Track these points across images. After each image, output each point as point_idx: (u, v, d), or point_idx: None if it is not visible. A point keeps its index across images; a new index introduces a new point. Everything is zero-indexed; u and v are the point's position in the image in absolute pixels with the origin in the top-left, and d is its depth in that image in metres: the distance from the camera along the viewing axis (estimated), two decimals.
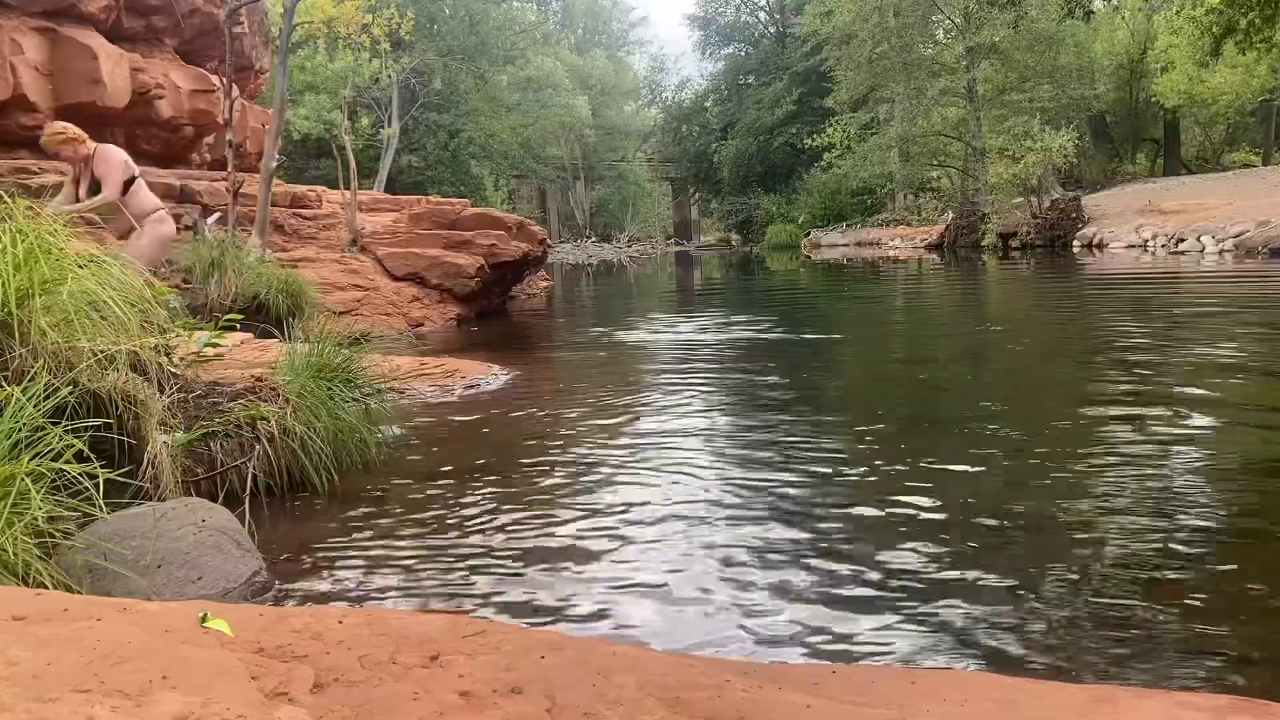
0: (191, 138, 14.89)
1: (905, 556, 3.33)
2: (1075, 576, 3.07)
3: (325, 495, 4.23)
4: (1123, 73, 38.57)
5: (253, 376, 4.98)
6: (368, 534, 3.78)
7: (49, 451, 2.83)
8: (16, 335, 3.40)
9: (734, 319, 13.36)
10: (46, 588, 2.54)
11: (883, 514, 3.87)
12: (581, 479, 4.68)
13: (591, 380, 8.03)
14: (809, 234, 41.03)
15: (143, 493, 3.53)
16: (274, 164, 11.56)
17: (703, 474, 4.63)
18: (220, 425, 4.21)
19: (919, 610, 2.87)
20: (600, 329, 12.57)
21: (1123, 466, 4.36)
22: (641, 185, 59.04)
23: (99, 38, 12.40)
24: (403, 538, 3.71)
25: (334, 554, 3.58)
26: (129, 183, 7.12)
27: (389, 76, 34.45)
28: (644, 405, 6.63)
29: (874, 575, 3.18)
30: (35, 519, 2.66)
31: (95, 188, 6.96)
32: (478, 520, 3.93)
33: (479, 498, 4.29)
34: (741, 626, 2.83)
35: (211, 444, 4.15)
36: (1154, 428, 5.07)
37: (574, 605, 3.04)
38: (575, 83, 51.06)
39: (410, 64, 36.15)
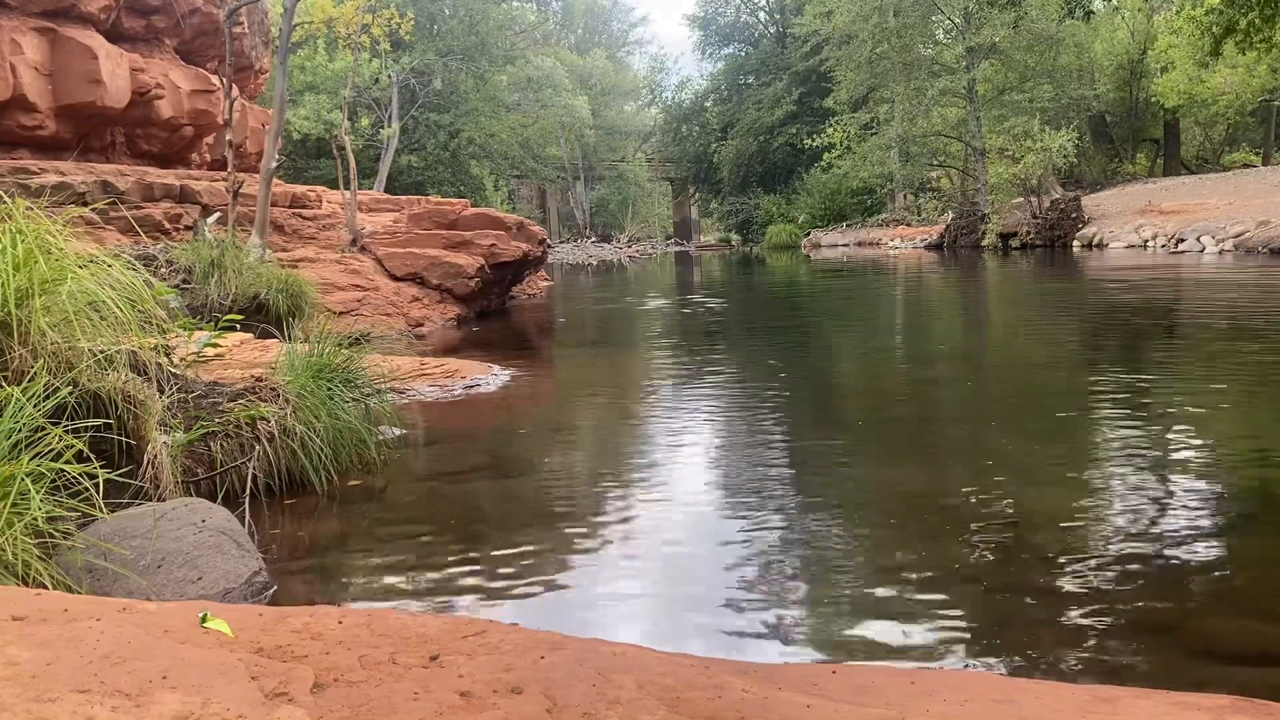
0: (191, 138, 14.88)
1: (905, 556, 3.33)
2: (1075, 577, 3.06)
3: (325, 495, 4.23)
4: (1123, 73, 38.55)
5: (253, 376, 4.98)
6: (367, 534, 3.78)
7: (49, 452, 2.83)
8: (16, 335, 3.40)
9: (733, 317, 13.36)
10: (46, 588, 2.54)
11: (883, 513, 3.87)
12: (581, 479, 4.68)
13: (590, 380, 8.04)
14: (809, 234, 41.02)
15: (143, 493, 3.53)
16: (274, 164, 11.55)
17: (702, 473, 4.63)
18: (220, 425, 4.21)
19: (919, 610, 2.86)
20: (599, 328, 12.58)
21: (1122, 466, 4.36)
22: (641, 185, 58.99)
23: (99, 38, 12.39)
24: (402, 538, 3.71)
25: (334, 554, 3.58)
26: None
27: (389, 76, 34.43)
28: (643, 404, 6.63)
29: (874, 575, 3.18)
30: (35, 519, 2.66)
31: None
32: (477, 520, 3.93)
33: (478, 498, 4.29)
34: (741, 626, 2.83)
35: (211, 444, 4.15)
36: (1153, 428, 5.07)
37: (574, 605, 3.04)
38: (575, 83, 51.01)
39: (410, 64, 36.13)
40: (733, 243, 50.75)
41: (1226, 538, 3.42)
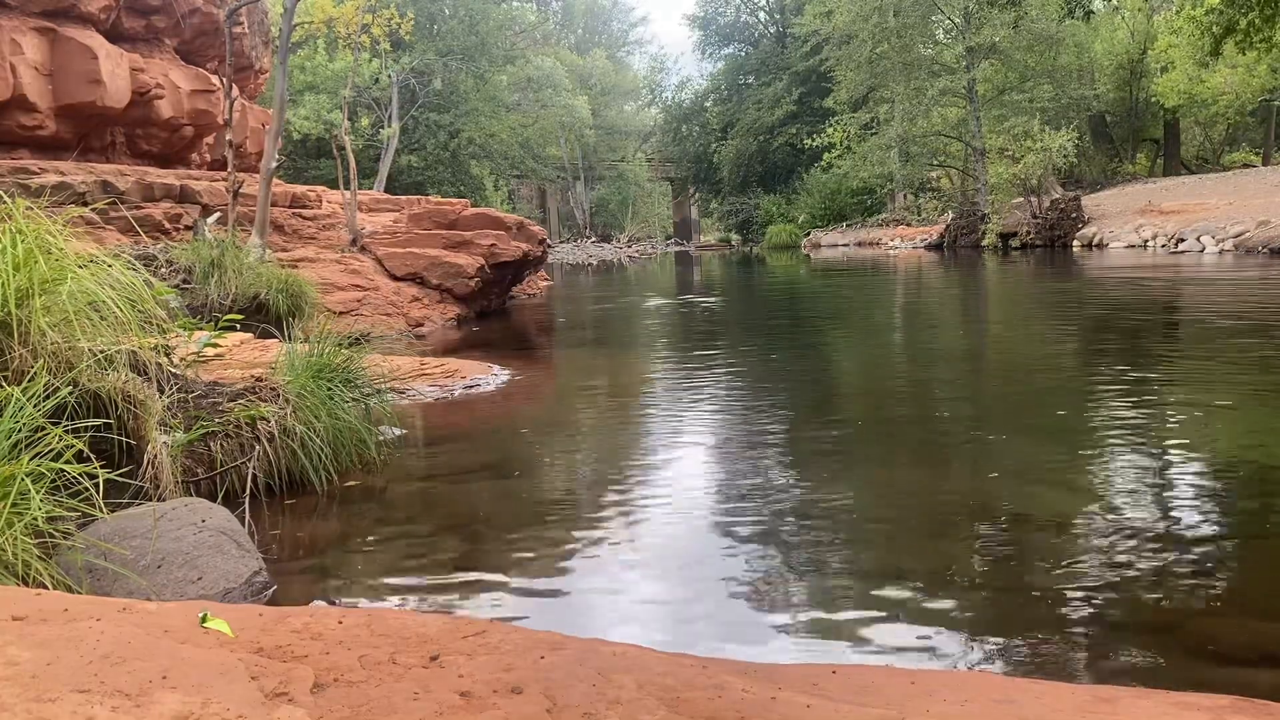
0: (191, 138, 14.87)
1: (905, 556, 3.33)
2: (1075, 577, 3.06)
3: (325, 495, 4.23)
4: (1123, 73, 38.56)
5: (253, 376, 4.98)
6: (368, 534, 3.78)
7: (49, 452, 2.83)
8: (16, 335, 3.40)
9: (733, 317, 13.36)
10: (46, 588, 2.54)
11: (883, 513, 3.86)
12: (581, 479, 4.68)
13: (590, 380, 8.04)
14: (809, 234, 41.03)
15: (143, 493, 3.53)
16: (274, 164, 11.55)
17: (702, 472, 4.63)
18: (220, 425, 4.21)
19: (919, 610, 2.86)
20: (598, 328, 12.58)
21: (1122, 467, 4.36)
22: (641, 185, 59.00)
23: (99, 38, 12.38)
24: (402, 538, 3.71)
25: (334, 554, 3.58)
26: None
27: (389, 76, 34.44)
28: (643, 404, 6.63)
29: (874, 575, 3.17)
30: (35, 519, 2.66)
31: None
32: (477, 520, 3.93)
33: (478, 498, 4.29)
34: (741, 626, 2.83)
35: (211, 444, 4.15)
36: (1154, 427, 5.07)
37: (574, 605, 3.04)
38: (575, 83, 51.00)
39: (410, 64, 36.13)
40: (733, 243, 50.75)
41: (1226, 538, 3.42)
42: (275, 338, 6.64)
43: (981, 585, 3.03)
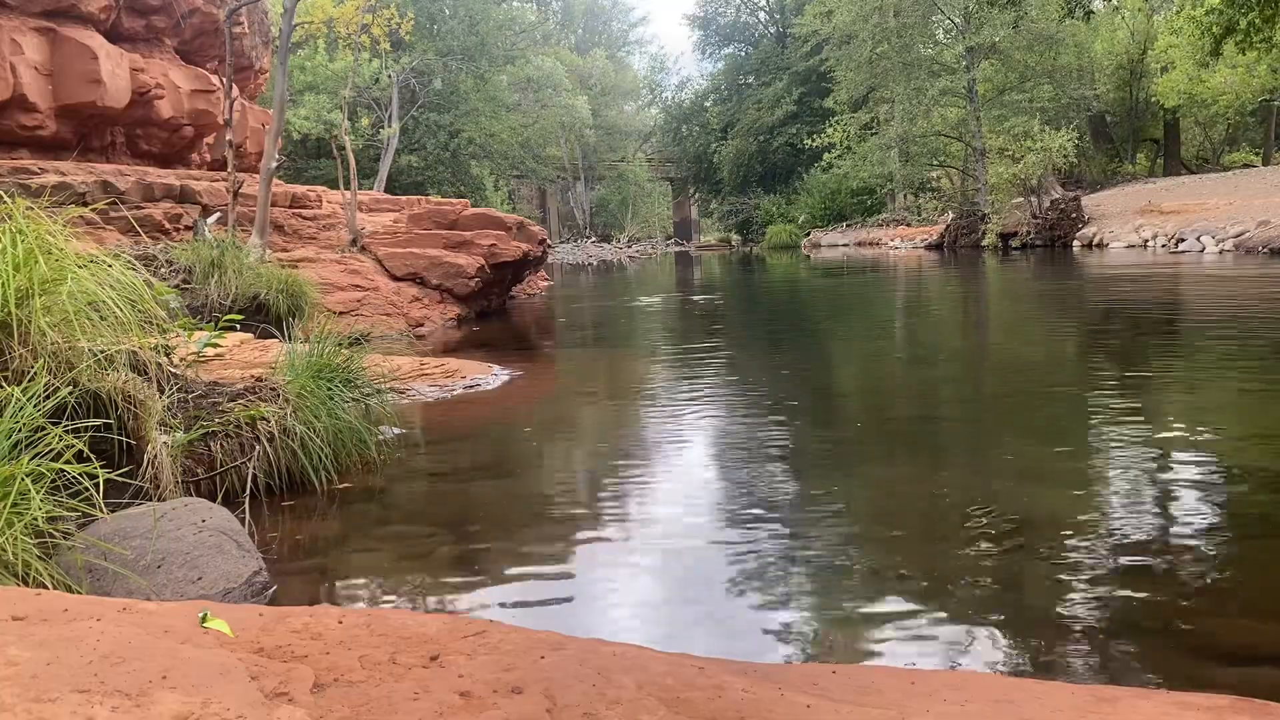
0: (191, 138, 14.86)
1: (905, 556, 3.33)
2: (1075, 576, 3.06)
3: (325, 495, 4.23)
4: (1123, 73, 38.55)
5: (253, 376, 4.98)
6: (368, 534, 3.78)
7: (49, 452, 2.83)
8: (16, 335, 3.40)
9: (733, 317, 13.36)
10: (46, 588, 2.54)
11: (883, 513, 3.86)
12: (581, 479, 4.69)
13: (590, 379, 8.04)
14: (809, 234, 41.03)
15: (143, 493, 3.53)
16: (274, 164, 11.56)
17: (702, 474, 4.62)
18: (220, 425, 4.21)
19: (919, 610, 2.86)
20: (599, 327, 12.58)
21: (1122, 466, 4.36)
22: (641, 185, 59.00)
23: (99, 38, 12.37)
24: (402, 538, 3.71)
25: (334, 554, 3.58)
26: None
27: (389, 76, 34.44)
28: (642, 404, 6.63)
29: (874, 575, 3.18)
30: (35, 519, 2.66)
31: None
32: (477, 520, 3.93)
33: (479, 498, 4.29)
34: (741, 626, 2.83)
35: (211, 444, 4.15)
36: (1154, 427, 5.07)
37: (574, 605, 3.04)
38: (575, 83, 50.99)
39: (410, 64, 36.13)
40: (733, 243, 50.75)
41: (1226, 537, 3.42)
42: (275, 338, 6.64)
43: (981, 585, 3.03)
